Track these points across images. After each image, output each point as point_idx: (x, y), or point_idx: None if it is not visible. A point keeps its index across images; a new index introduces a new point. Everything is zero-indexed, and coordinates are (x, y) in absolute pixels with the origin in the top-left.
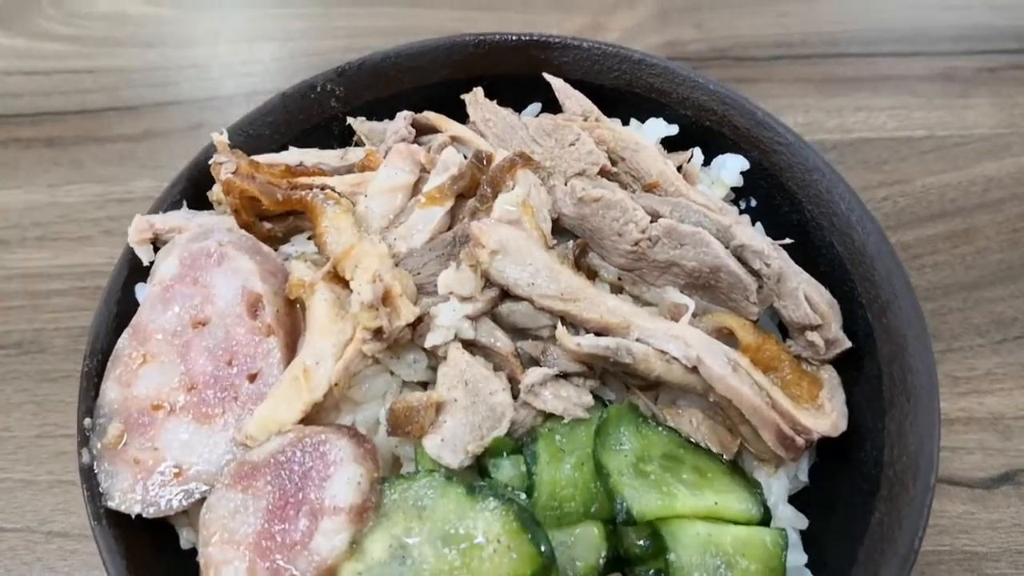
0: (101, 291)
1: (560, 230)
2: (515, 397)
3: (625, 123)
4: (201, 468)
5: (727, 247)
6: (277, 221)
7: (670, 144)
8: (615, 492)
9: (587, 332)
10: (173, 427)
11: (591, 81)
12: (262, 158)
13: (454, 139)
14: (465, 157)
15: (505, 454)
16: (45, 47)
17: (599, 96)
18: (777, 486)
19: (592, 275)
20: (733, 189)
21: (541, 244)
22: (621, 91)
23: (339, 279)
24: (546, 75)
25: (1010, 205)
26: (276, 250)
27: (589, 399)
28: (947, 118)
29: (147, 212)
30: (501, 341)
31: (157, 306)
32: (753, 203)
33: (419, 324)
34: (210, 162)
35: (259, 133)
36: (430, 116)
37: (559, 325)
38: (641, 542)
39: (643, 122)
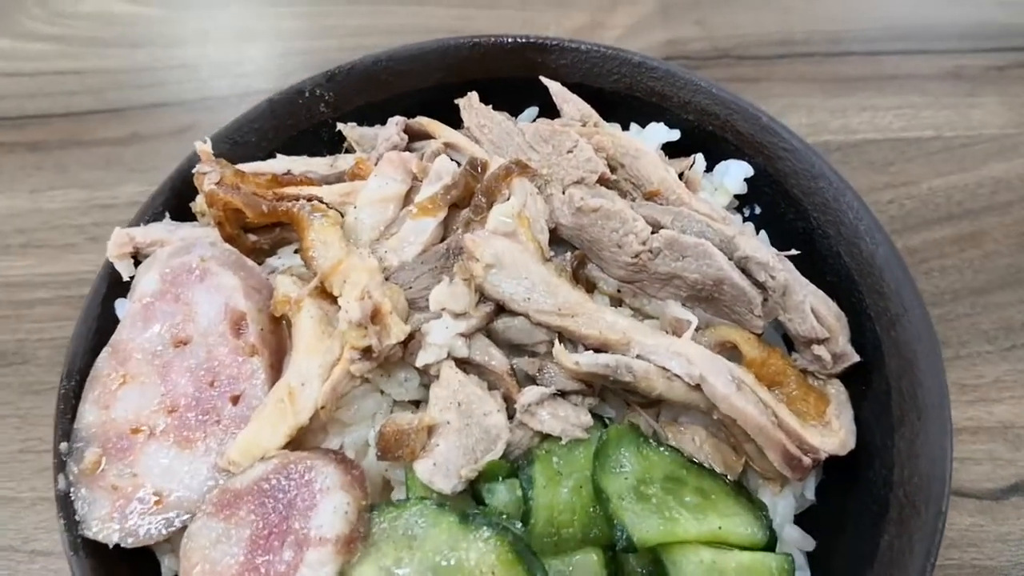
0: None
1: (557, 240)
2: (511, 417)
3: (625, 128)
4: (182, 495)
5: (731, 259)
6: (263, 233)
7: (671, 150)
8: (615, 518)
9: (585, 348)
10: (153, 452)
11: (590, 84)
12: (248, 166)
13: (448, 145)
14: (459, 164)
15: (500, 478)
16: (29, 47)
17: (598, 100)
18: (783, 506)
19: (591, 287)
20: (736, 196)
21: (538, 257)
22: (621, 95)
23: (327, 295)
24: (543, 78)
25: (1019, 207)
26: (262, 263)
27: (588, 419)
28: (954, 118)
29: (130, 222)
30: (496, 359)
31: (137, 324)
32: (757, 210)
33: (410, 341)
34: (193, 171)
35: (245, 140)
36: (423, 121)
37: (556, 342)
38: (642, 569)
39: (643, 127)
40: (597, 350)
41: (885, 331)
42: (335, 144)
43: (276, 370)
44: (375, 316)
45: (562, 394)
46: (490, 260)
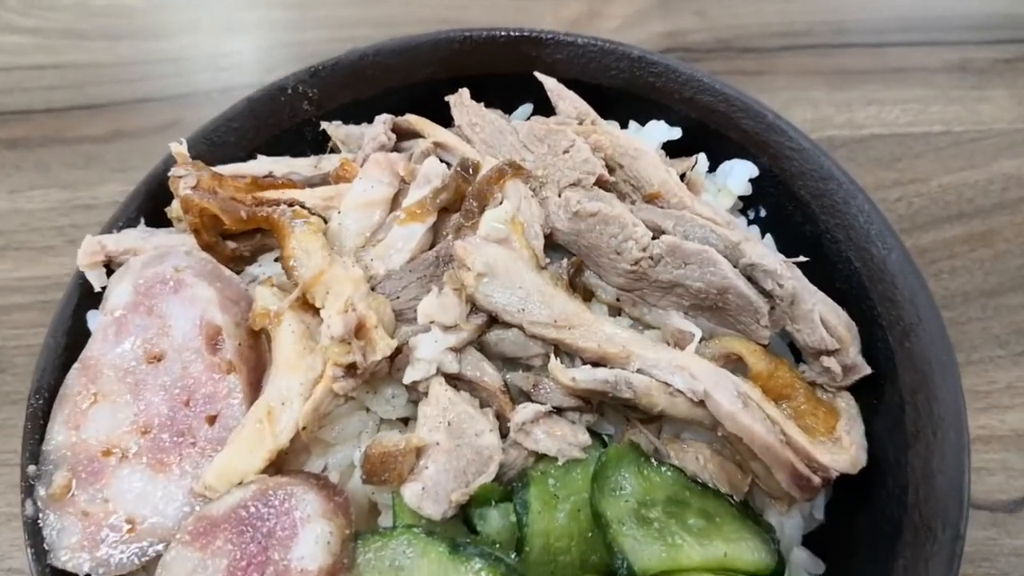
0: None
1: (553, 246)
2: (504, 436)
3: (624, 126)
4: (156, 522)
5: (736, 266)
6: (243, 239)
7: (672, 149)
8: (614, 544)
9: (583, 362)
10: (126, 476)
11: (587, 80)
12: (227, 168)
13: (438, 145)
14: (449, 166)
15: (493, 502)
16: (5, 40)
17: (595, 97)
18: (790, 526)
19: (588, 295)
20: (741, 198)
21: (532, 264)
22: (619, 91)
23: (309, 307)
24: (538, 74)
25: None
26: (242, 271)
27: (586, 438)
28: (963, 112)
29: (102, 228)
30: (488, 375)
31: (109, 338)
32: (763, 213)
33: (397, 355)
34: (169, 174)
35: (224, 140)
36: (412, 120)
37: (552, 356)
38: None
39: (643, 125)
40: (595, 364)
41: (898, 341)
42: (319, 144)
43: (255, 387)
44: (359, 330)
45: (558, 411)
46: (482, 269)
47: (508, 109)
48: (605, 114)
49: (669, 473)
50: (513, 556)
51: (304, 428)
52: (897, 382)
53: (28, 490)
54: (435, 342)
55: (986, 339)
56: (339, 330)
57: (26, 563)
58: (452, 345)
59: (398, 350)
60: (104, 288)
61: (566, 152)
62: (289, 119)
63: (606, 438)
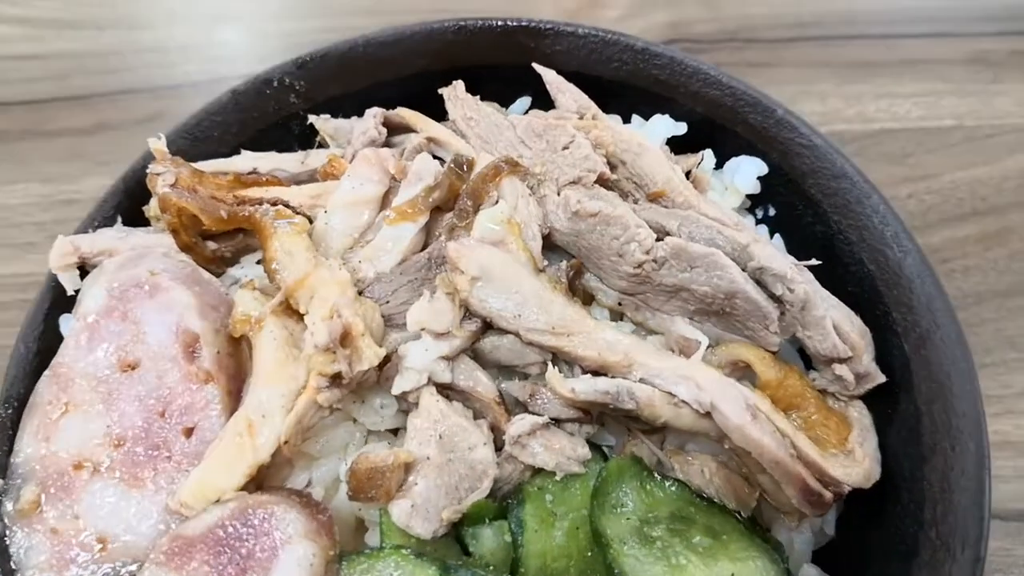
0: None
1: (551, 247)
2: (498, 449)
3: (626, 121)
4: (129, 541)
5: (744, 269)
6: (224, 240)
7: (677, 145)
8: (615, 565)
9: (583, 370)
10: (98, 491)
11: (588, 73)
12: (209, 165)
13: (430, 140)
14: (442, 162)
15: (487, 520)
16: None
17: (597, 90)
18: (800, 542)
19: (588, 299)
20: (749, 196)
21: (529, 267)
22: (622, 84)
23: (292, 312)
24: (536, 66)
25: None
26: (223, 273)
27: (585, 451)
28: (977, 106)
29: (76, 228)
30: (482, 384)
31: (81, 345)
32: (771, 212)
33: (386, 363)
34: (147, 171)
35: (207, 135)
36: (404, 113)
37: (550, 365)
38: None
39: (647, 119)
40: (595, 372)
41: (914, 349)
42: (307, 139)
43: (235, 398)
44: (345, 338)
45: (556, 422)
46: (476, 272)
47: (505, 103)
48: (607, 108)
49: (673, 488)
50: None
51: (286, 442)
52: (912, 391)
53: None
54: (426, 350)
55: (1000, 342)
56: (323, 338)
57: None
58: (444, 353)
59: (387, 358)
60: (78, 291)
61: (566, 148)
62: (275, 113)
63: (606, 450)
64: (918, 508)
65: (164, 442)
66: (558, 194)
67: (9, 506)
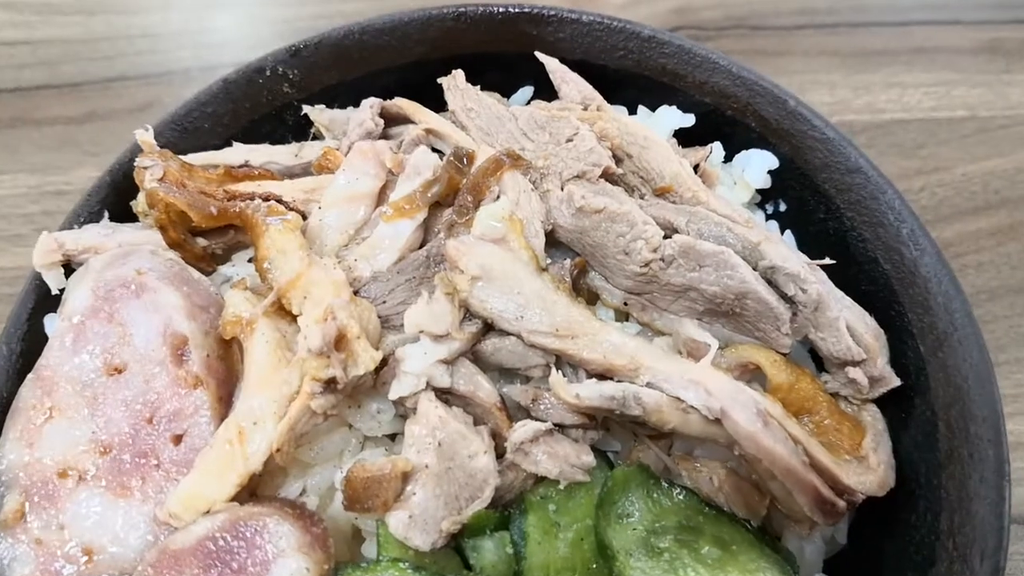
0: None
1: (555, 244)
2: (500, 457)
3: (632, 112)
4: (116, 552)
5: (755, 269)
6: (215, 236)
7: (685, 137)
8: None
9: (587, 374)
10: (83, 500)
11: (592, 61)
12: (199, 157)
13: (429, 132)
14: (441, 155)
15: (488, 531)
16: None
17: (602, 79)
18: (811, 551)
19: (593, 298)
20: (759, 191)
21: (532, 266)
22: (627, 74)
23: (285, 313)
24: (539, 54)
25: None
26: (214, 271)
27: (590, 458)
28: (990, 96)
29: (61, 224)
30: (483, 389)
31: (66, 346)
32: (782, 207)
33: (383, 367)
34: (135, 164)
35: (197, 126)
36: (401, 104)
37: (553, 369)
38: None
39: (653, 110)
40: (601, 376)
41: (931, 351)
42: (301, 130)
43: (225, 403)
44: (340, 342)
45: (560, 428)
46: (476, 271)
47: (506, 93)
48: (612, 98)
49: (681, 496)
50: None
51: (279, 450)
52: (929, 395)
53: None
54: (424, 353)
55: (1014, 339)
56: (317, 342)
57: None
58: (443, 357)
59: (384, 361)
60: (62, 290)
61: (569, 141)
62: (268, 103)
63: (611, 456)
64: (934, 517)
65: (152, 449)
66: (561, 189)
67: None
